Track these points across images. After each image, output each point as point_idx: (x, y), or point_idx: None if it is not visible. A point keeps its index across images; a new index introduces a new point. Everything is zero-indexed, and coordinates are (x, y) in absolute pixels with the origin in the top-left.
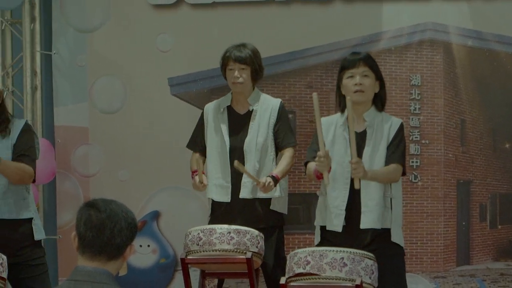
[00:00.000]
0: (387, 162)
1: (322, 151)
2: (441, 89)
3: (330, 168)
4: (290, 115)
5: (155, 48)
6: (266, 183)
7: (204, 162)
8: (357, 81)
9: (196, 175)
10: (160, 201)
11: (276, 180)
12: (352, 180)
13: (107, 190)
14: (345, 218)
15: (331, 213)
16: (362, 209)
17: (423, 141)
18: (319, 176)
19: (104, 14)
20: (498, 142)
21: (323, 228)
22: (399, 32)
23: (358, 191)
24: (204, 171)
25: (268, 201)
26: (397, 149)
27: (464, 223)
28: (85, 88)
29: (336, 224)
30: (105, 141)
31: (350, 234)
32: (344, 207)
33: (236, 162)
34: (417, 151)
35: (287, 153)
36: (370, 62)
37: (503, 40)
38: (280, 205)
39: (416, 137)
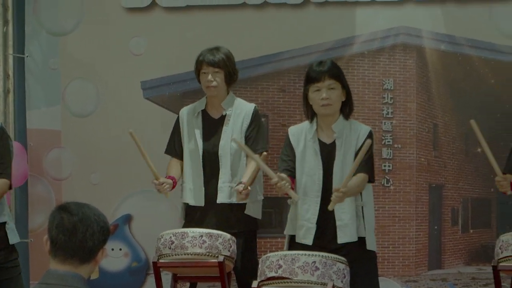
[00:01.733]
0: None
1: (274, 179)
2: (414, 93)
3: (293, 185)
4: (263, 119)
5: (128, 52)
6: (244, 192)
7: (182, 166)
8: (323, 95)
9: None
10: (132, 204)
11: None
12: (322, 193)
13: (79, 193)
14: (317, 231)
15: (302, 226)
16: (337, 223)
17: (395, 145)
18: (286, 194)
19: (77, 17)
20: (470, 147)
21: (292, 237)
22: (372, 36)
23: (328, 203)
24: (171, 176)
25: (242, 206)
26: (364, 159)
27: (436, 227)
28: (58, 91)
29: (307, 237)
30: (78, 144)
31: (322, 249)
32: (315, 221)
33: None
34: (390, 155)
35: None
36: (335, 73)
37: (476, 44)
38: (254, 210)
39: (388, 141)
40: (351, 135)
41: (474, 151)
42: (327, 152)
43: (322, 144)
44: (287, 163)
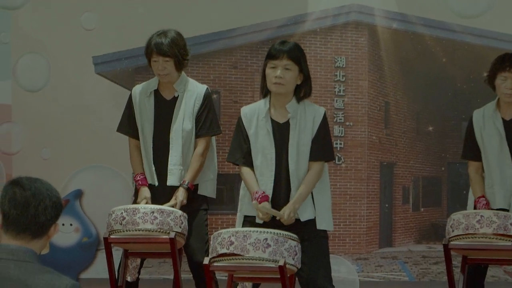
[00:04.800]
0: (312, 157)
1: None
2: (366, 71)
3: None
4: (214, 96)
5: (80, 26)
6: (179, 204)
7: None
8: (277, 73)
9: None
10: (83, 180)
11: (189, 189)
12: (276, 171)
13: (30, 168)
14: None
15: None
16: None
17: (347, 123)
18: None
19: None
20: (422, 125)
21: (246, 218)
22: (324, 14)
23: (285, 183)
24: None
25: (195, 186)
26: (323, 143)
27: (387, 205)
28: (8, 66)
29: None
30: (28, 119)
31: (274, 227)
32: (269, 199)
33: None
34: (341, 133)
35: (198, 148)
36: (294, 55)
37: (428, 23)
38: (208, 190)
39: (340, 119)
40: (306, 116)
41: (425, 129)
42: (281, 132)
43: (275, 123)
44: (244, 156)
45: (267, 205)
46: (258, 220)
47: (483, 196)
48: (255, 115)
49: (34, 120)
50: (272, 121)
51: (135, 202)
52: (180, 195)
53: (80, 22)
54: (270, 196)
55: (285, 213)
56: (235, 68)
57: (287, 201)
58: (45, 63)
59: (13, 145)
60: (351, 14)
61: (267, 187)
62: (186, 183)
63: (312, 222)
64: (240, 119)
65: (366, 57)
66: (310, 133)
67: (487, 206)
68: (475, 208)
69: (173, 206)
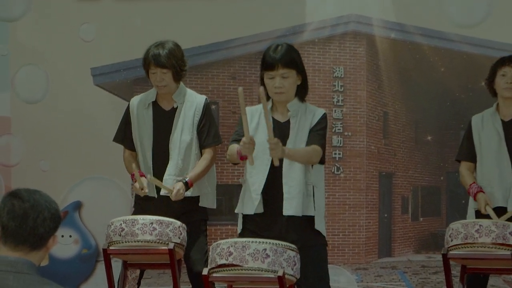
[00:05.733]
0: (307, 144)
1: (247, 137)
2: (364, 81)
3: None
4: (213, 106)
5: (78, 38)
6: (175, 192)
7: (136, 158)
8: (276, 84)
9: (135, 181)
10: (82, 191)
11: (188, 185)
12: (271, 165)
13: (28, 180)
14: (264, 203)
15: (249, 198)
16: (285, 195)
17: (345, 133)
18: (243, 158)
19: (26, 3)
20: (420, 135)
21: (245, 216)
22: (322, 24)
23: (279, 176)
24: (140, 171)
25: (196, 198)
26: (318, 133)
27: (386, 215)
28: (7, 78)
29: (251, 207)
30: (27, 131)
31: (271, 220)
32: (260, 191)
33: (149, 177)
34: (340, 143)
35: (206, 155)
36: (288, 61)
37: (426, 32)
38: (208, 201)
39: (339, 129)
40: (306, 115)
41: (424, 139)
42: (280, 130)
43: (275, 122)
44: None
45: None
46: (244, 212)
47: (475, 183)
48: (257, 113)
49: (33, 132)
50: (273, 119)
51: (134, 213)
52: (178, 185)
53: (79, 33)
54: (261, 190)
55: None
56: (234, 79)
57: (277, 196)
58: (43, 74)
59: (12, 157)
60: (350, 24)
61: (258, 179)
62: (186, 179)
63: (311, 220)
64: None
65: (364, 67)
66: (308, 130)
67: (480, 189)
68: (469, 195)
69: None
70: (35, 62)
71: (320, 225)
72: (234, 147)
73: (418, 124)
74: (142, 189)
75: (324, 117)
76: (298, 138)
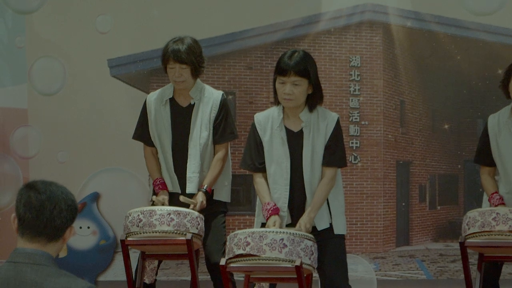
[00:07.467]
0: (326, 163)
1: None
2: (381, 70)
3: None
4: (230, 96)
5: (95, 29)
6: (199, 205)
7: (157, 154)
8: (286, 90)
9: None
10: (100, 182)
11: (208, 193)
12: (291, 180)
13: (46, 172)
14: (290, 212)
15: None
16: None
17: (362, 122)
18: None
19: None
20: (437, 123)
21: (263, 225)
22: (338, 14)
23: (300, 191)
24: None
25: (212, 190)
26: (336, 149)
27: (403, 204)
28: (24, 70)
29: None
30: (44, 123)
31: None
32: (285, 208)
33: (181, 198)
34: (357, 132)
35: (220, 154)
36: (301, 70)
37: (442, 21)
38: (223, 195)
39: (355, 118)
40: (319, 123)
41: (441, 127)
42: (295, 140)
43: (289, 132)
44: (257, 163)
45: (277, 219)
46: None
47: (497, 192)
48: (269, 122)
49: (50, 124)
50: (287, 130)
51: (152, 204)
52: (200, 197)
53: (95, 25)
54: (286, 205)
55: (302, 225)
56: (250, 69)
57: (302, 209)
58: (60, 66)
59: (29, 149)
60: (365, 13)
61: (282, 195)
62: (204, 187)
63: (329, 229)
64: (253, 125)
65: (381, 56)
66: (323, 141)
67: (501, 201)
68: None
69: (193, 208)
70: (52, 54)
71: (338, 229)
72: (260, 189)
73: (435, 113)
74: (163, 204)
75: (338, 124)
76: (314, 148)
